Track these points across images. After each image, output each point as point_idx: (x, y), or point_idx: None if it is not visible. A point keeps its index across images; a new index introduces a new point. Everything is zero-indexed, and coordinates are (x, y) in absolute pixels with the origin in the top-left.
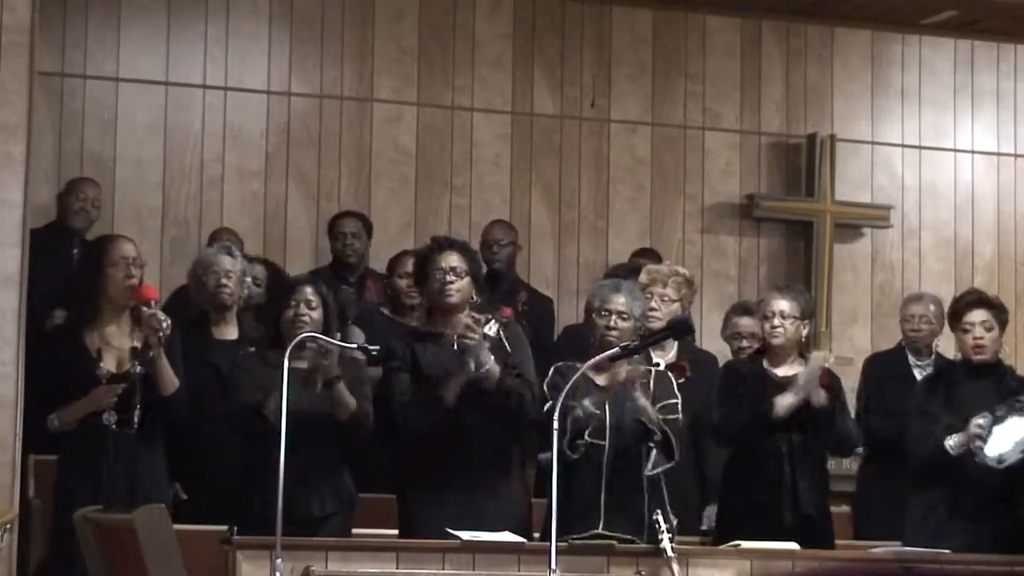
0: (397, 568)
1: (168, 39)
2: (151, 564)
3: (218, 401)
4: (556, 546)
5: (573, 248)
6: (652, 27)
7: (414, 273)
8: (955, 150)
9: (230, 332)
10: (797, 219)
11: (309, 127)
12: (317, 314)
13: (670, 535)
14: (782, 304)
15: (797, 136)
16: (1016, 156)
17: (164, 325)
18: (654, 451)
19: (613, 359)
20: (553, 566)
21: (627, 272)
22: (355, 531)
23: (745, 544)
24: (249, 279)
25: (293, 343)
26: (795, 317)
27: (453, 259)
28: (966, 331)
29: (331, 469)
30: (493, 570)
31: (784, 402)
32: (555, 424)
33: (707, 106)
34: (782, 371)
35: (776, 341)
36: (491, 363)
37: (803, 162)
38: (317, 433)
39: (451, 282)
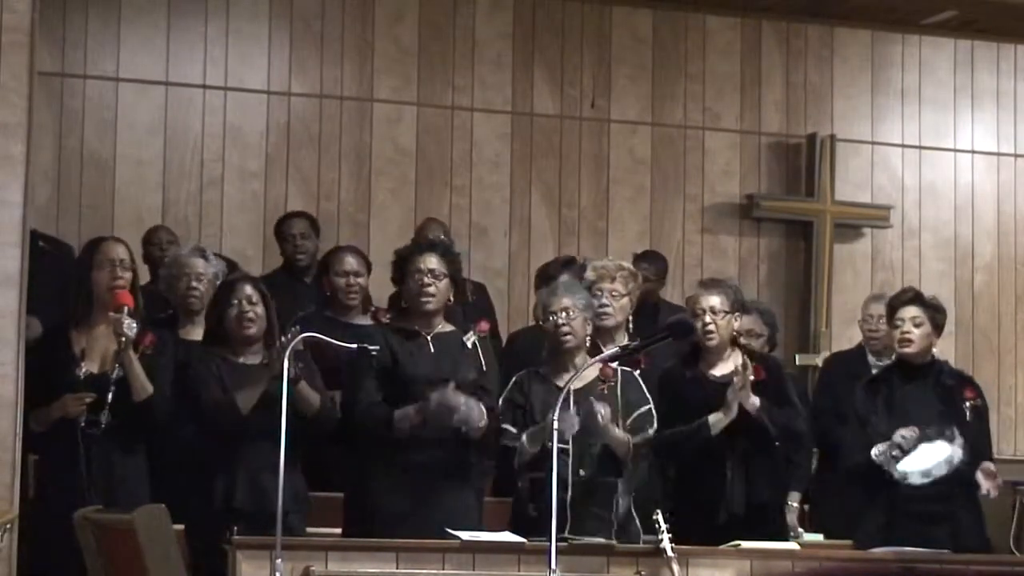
0: (397, 568)
1: (168, 39)
2: (151, 564)
3: (181, 400)
4: (556, 546)
5: (573, 248)
6: (652, 27)
7: (393, 271)
8: (955, 150)
9: (197, 333)
10: (797, 219)
11: (309, 127)
12: (260, 309)
13: (670, 535)
14: (712, 300)
15: (797, 136)
16: (1016, 156)
17: (128, 331)
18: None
19: (612, 359)
20: (553, 566)
21: (561, 266)
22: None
23: (745, 544)
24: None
25: (292, 343)
26: (725, 311)
27: (432, 261)
28: (896, 326)
29: (289, 466)
30: (493, 570)
31: (718, 421)
32: (555, 425)
33: (707, 106)
34: (719, 370)
35: (711, 343)
36: (484, 420)
37: (803, 162)
38: (276, 429)
39: (429, 285)
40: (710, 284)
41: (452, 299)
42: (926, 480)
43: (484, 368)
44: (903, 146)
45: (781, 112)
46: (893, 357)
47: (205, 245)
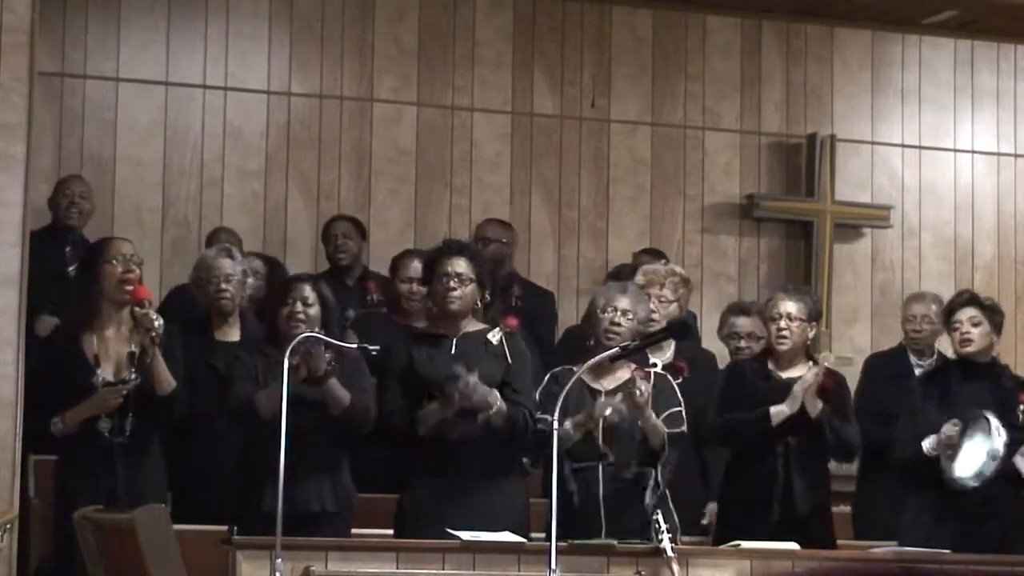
0: (397, 568)
1: (168, 39)
2: (151, 564)
3: (217, 401)
4: (556, 546)
5: (573, 248)
6: (652, 27)
7: (422, 272)
8: (955, 150)
9: (232, 334)
10: (797, 219)
11: (309, 127)
12: (314, 311)
13: (670, 535)
14: (789, 306)
15: (797, 136)
16: (1016, 156)
17: (156, 325)
18: (652, 480)
19: (613, 359)
20: (553, 566)
21: (631, 272)
22: (354, 531)
23: (745, 544)
24: (251, 279)
25: (294, 342)
26: (801, 319)
27: (460, 265)
28: (955, 328)
29: (331, 467)
30: (493, 570)
31: (779, 412)
32: (555, 426)
33: (707, 106)
34: (786, 374)
35: (782, 347)
36: (498, 403)
37: (803, 162)
38: (316, 430)
39: (454, 288)
40: (790, 291)
41: (479, 304)
42: (980, 482)
43: (510, 363)
44: (903, 146)
45: (781, 112)
46: (935, 356)
47: (228, 245)
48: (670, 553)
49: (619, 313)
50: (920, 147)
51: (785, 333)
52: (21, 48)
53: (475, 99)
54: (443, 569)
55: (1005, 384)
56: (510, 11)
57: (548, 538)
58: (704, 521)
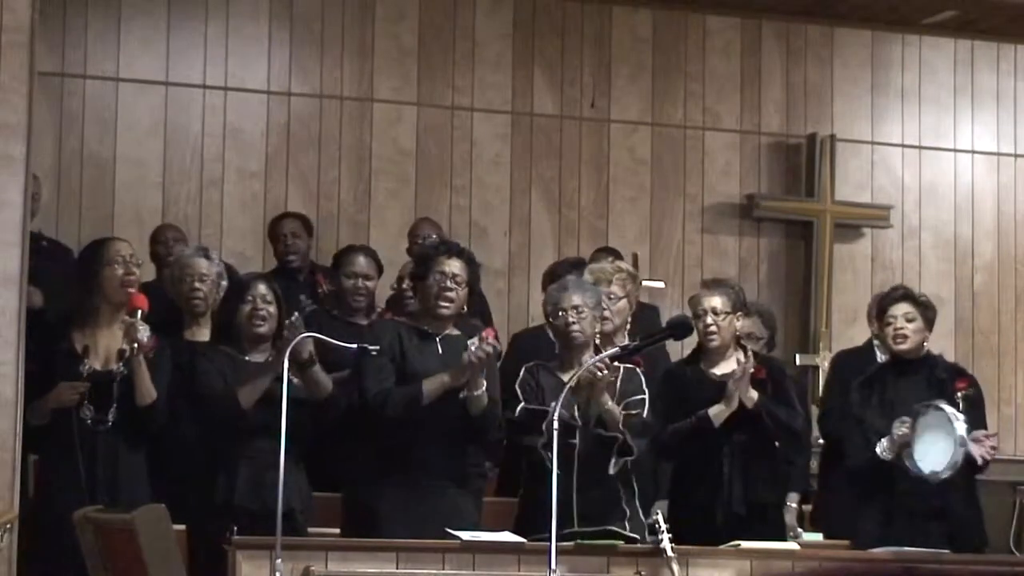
0: (397, 568)
1: (168, 39)
2: (151, 564)
3: (184, 399)
4: (556, 546)
5: (573, 248)
6: (652, 27)
7: (413, 269)
8: (955, 150)
9: (202, 334)
10: (797, 219)
11: (309, 127)
12: (273, 309)
13: (670, 535)
14: (714, 300)
15: (797, 136)
16: (1016, 156)
17: (141, 337)
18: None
19: (613, 359)
20: (553, 566)
21: (570, 267)
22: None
23: (745, 544)
24: (224, 282)
25: (292, 343)
26: (727, 312)
27: (456, 266)
28: (889, 324)
29: (293, 464)
30: (493, 570)
31: (719, 412)
32: (555, 424)
33: (707, 106)
34: (720, 369)
35: (712, 344)
36: (483, 389)
37: (803, 162)
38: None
39: (450, 289)
40: (712, 284)
41: (465, 308)
42: (954, 471)
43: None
44: (903, 146)
45: (781, 112)
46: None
47: (205, 245)
48: (670, 553)
49: (570, 311)
50: (920, 147)
51: (713, 329)
52: (21, 48)
53: (475, 99)
54: (443, 569)
55: (939, 374)
56: (510, 11)
57: (548, 538)
58: (650, 519)
